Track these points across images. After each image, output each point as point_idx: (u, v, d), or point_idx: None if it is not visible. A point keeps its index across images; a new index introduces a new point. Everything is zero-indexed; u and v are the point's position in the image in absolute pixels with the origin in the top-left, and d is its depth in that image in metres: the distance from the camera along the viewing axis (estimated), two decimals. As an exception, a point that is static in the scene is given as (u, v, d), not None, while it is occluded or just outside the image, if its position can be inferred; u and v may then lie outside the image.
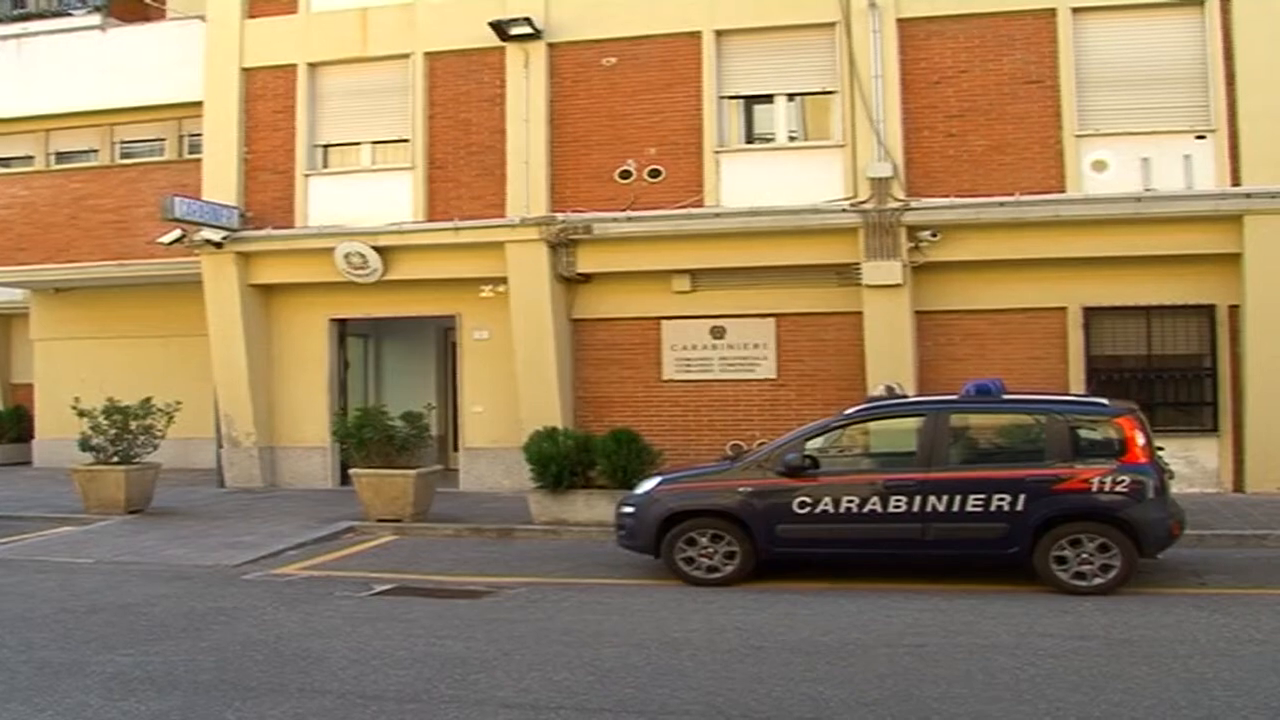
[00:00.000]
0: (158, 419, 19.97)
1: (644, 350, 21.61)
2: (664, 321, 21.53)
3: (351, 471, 18.86)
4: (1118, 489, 12.36)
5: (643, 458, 17.36)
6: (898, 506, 12.69)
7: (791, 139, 21.04)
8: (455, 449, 23.54)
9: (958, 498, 12.56)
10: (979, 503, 12.50)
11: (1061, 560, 12.40)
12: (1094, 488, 12.39)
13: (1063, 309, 19.85)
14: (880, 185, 19.74)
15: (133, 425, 19.84)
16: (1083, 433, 12.89)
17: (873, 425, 13.86)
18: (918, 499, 12.66)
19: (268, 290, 23.39)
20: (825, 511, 12.93)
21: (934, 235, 19.67)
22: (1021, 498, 12.42)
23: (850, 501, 12.86)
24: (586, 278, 21.52)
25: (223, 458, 23.38)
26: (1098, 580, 12.29)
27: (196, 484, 23.55)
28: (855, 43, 20.03)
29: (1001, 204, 19.33)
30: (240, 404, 23.01)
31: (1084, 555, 12.35)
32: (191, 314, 24.05)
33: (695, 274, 21.19)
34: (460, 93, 21.96)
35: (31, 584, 13.70)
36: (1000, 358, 19.70)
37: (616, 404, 21.52)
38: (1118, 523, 12.34)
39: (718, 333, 21.29)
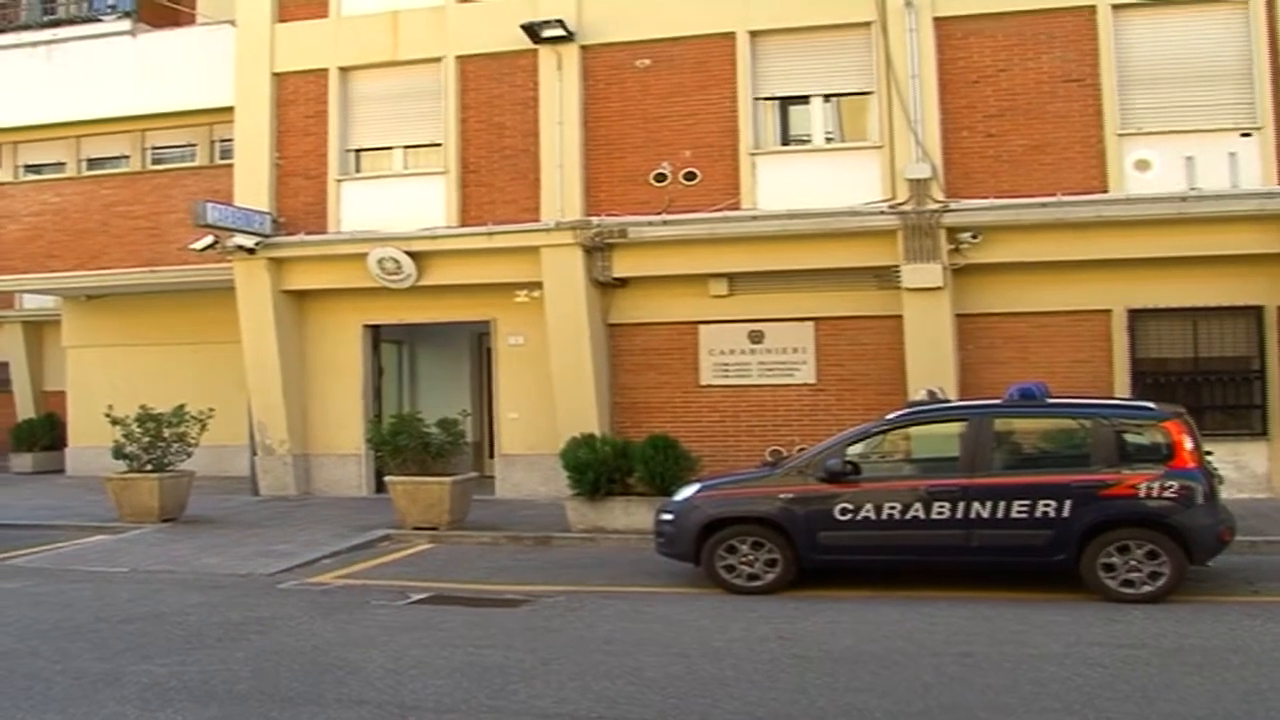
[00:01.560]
0: (191, 427, 20.04)
1: (681, 355, 21.60)
2: (701, 326, 21.51)
3: (387, 479, 18.92)
4: (1166, 494, 12.25)
5: (681, 464, 17.36)
6: (941, 513, 12.63)
7: (828, 140, 21.00)
8: (491, 456, 23.59)
9: (1002, 504, 12.48)
10: (1024, 509, 12.42)
11: (1109, 567, 12.30)
12: (1142, 493, 12.29)
13: (1107, 311, 19.73)
14: (919, 186, 19.66)
15: (166, 433, 19.93)
16: (1129, 437, 12.80)
17: (914, 430, 13.80)
18: (961, 505, 12.59)
19: (301, 296, 23.49)
20: (867, 518, 12.88)
21: (974, 237, 19.57)
22: (1067, 504, 12.33)
23: (893, 508, 12.80)
24: (622, 282, 21.53)
25: (257, 465, 23.49)
26: (1146, 588, 12.19)
27: (230, 492, 23.66)
28: (892, 42, 19.97)
29: (1043, 205, 19.22)
30: (274, 411, 23.11)
31: (1132, 562, 12.25)
32: (224, 321, 24.15)
33: (732, 278, 21.17)
34: (493, 96, 22.00)
35: (67, 593, 13.79)
36: (1043, 361, 19.60)
37: (654, 410, 21.50)
38: (1166, 529, 12.23)
39: (756, 337, 21.25)
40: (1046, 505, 12.37)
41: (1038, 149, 19.55)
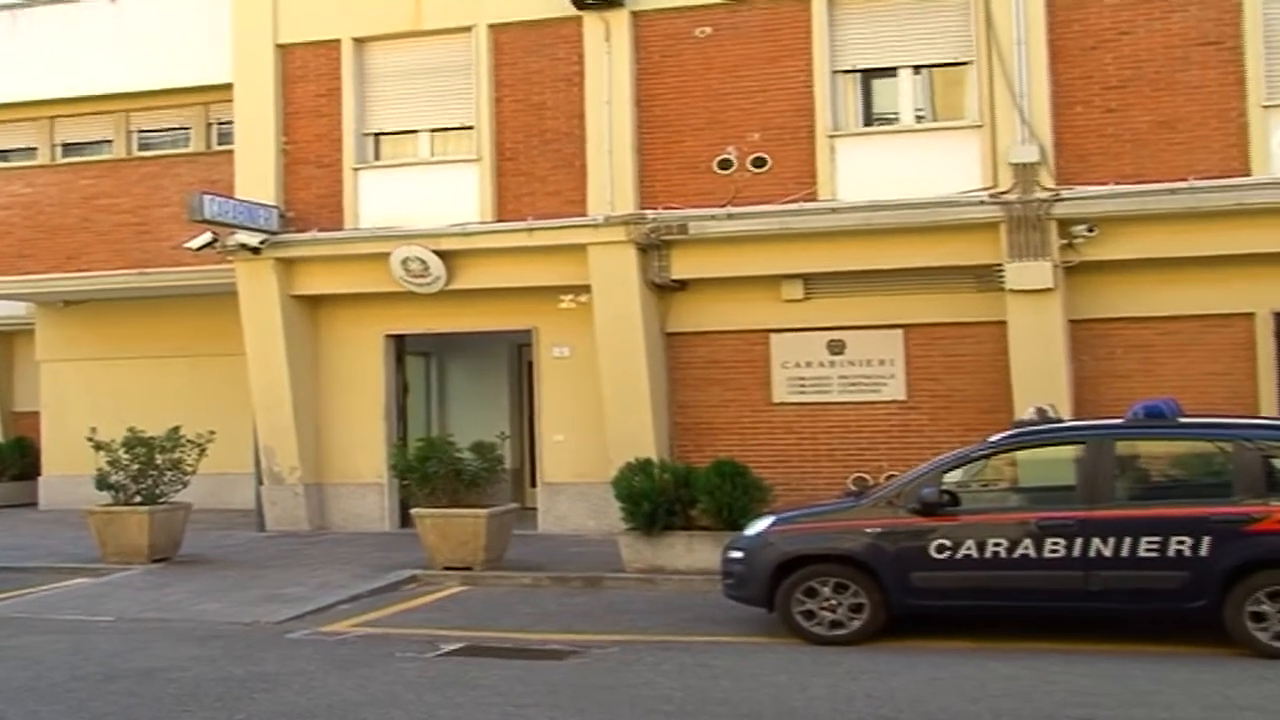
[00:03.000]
0: (187, 452, 20.12)
1: (750, 368, 21.60)
2: (773, 335, 21.52)
3: (413, 512, 18.97)
4: (1325, 531, 12.13)
5: (751, 494, 17.32)
6: (1055, 551, 12.54)
7: (919, 119, 20.96)
8: (533, 485, 23.70)
9: (1127, 541, 12.38)
10: (1153, 547, 12.31)
11: (1259, 617, 12.16)
12: (1296, 529, 12.17)
13: (1248, 315, 19.56)
14: (1025, 172, 19.57)
15: (158, 459, 20.00)
16: (1279, 463, 12.66)
17: (1022, 455, 13.75)
18: (1079, 542, 12.50)
19: (313, 302, 23.67)
20: (968, 557, 12.81)
21: (1090, 230, 19.45)
22: (1206, 541, 12.21)
23: (997, 545, 12.73)
24: (682, 284, 21.57)
25: (263, 496, 23.65)
26: (1305, 642, 12.07)
27: (232, 527, 23.84)
28: (994, 3, 19.90)
29: (1172, 191, 19.09)
30: (283, 434, 23.26)
31: (1287, 611, 12.13)
32: (225, 330, 24.35)
33: (808, 279, 21.17)
34: (531, 71, 22.10)
35: (39, 647, 13.76)
36: (1173, 374, 19.45)
37: (719, 431, 21.49)
38: (1328, 572, 12.11)
39: (836, 347, 21.21)
40: (1181, 542, 12.26)
41: (1166, 125, 19.43)
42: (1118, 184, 19.39)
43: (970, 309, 20.48)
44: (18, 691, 11.64)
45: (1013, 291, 19.68)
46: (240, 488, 25.22)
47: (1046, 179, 19.55)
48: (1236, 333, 19.63)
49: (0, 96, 26.63)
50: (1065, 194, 19.46)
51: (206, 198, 21.75)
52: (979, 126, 20.11)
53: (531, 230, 21.66)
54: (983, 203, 19.77)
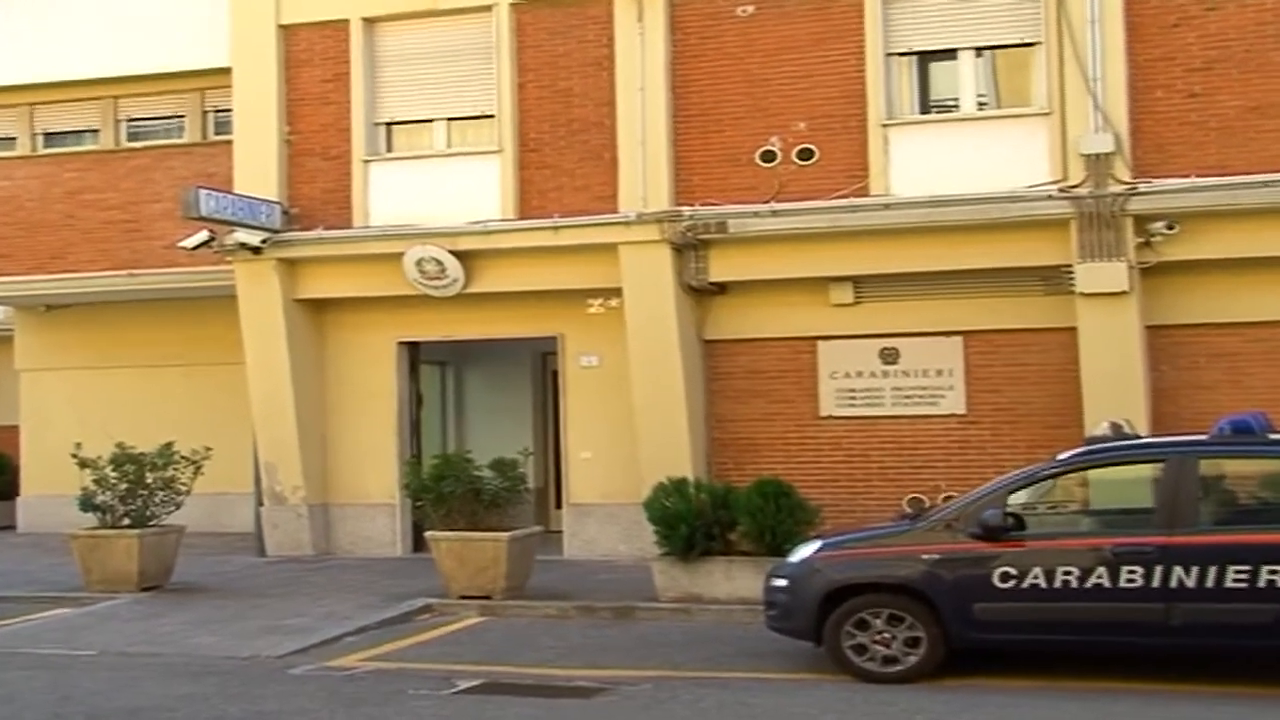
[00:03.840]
0: (181, 470, 20.18)
1: (795, 379, 21.62)
2: (820, 342, 21.53)
3: (428, 535, 19.02)
4: None
5: (797, 516, 17.32)
6: (1131, 580, 12.49)
7: (981, 106, 20.96)
8: (558, 506, 23.72)
9: (1213, 570, 12.31)
10: (1242, 577, 12.24)
11: (1358, 653, 12.13)
12: (1405, 558, 12.11)
13: (1346, 320, 19.52)
14: (1098, 163, 19.54)
15: (149, 478, 20.04)
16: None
17: (1095, 474, 13.75)
18: (1158, 571, 12.44)
19: (319, 306, 23.78)
20: (1035, 586, 12.77)
21: (1170, 227, 19.39)
22: (1300, 570, 12.17)
23: (1068, 573, 12.68)
24: (721, 288, 21.60)
25: (263, 518, 23.74)
26: None
27: (230, 552, 23.94)
28: (1065, -22, 19.91)
29: (1266, 184, 19.02)
30: (286, 450, 23.33)
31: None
32: (222, 337, 24.46)
33: (859, 281, 21.18)
34: (557, 55, 22.16)
35: (15, 684, 13.70)
36: (1262, 385, 19.38)
37: (761, 447, 21.49)
38: None
39: (889, 356, 21.21)
40: (1274, 572, 12.19)
41: (1258, 111, 19.37)
42: (1201, 176, 19.32)
43: (1037, 314, 20.43)
44: (-11, 735, 11.69)
45: (1084, 295, 19.61)
46: (239, 509, 25.31)
47: (1122, 171, 19.50)
48: (1332, 340, 19.62)
49: (-27, 82, 26.77)
50: (1142, 187, 19.42)
51: (202, 193, 21.78)
52: (1047, 114, 20.07)
53: (557, 228, 21.70)
54: (1051, 197, 19.74)
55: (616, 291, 21.65)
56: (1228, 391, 19.37)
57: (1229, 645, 12.60)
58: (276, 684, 13.68)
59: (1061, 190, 19.70)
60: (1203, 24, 19.62)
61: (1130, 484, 13.44)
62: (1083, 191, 19.56)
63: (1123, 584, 12.50)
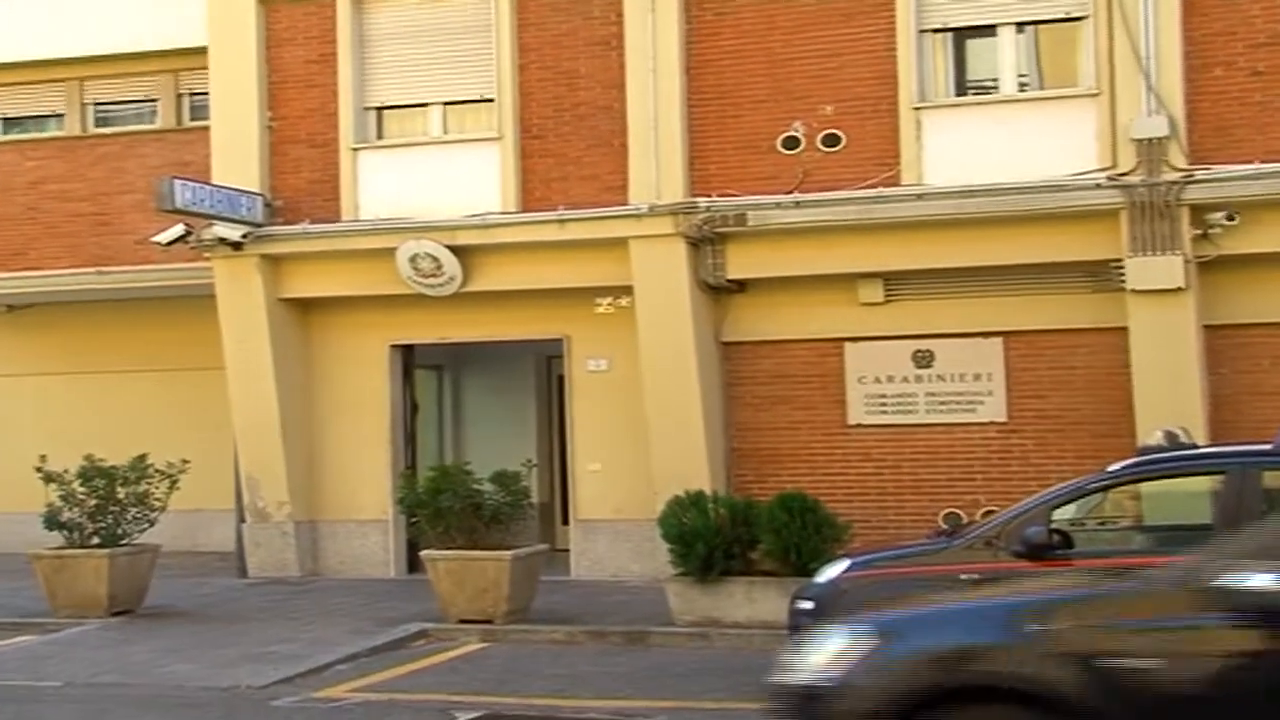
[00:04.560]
0: (155, 484, 20.16)
1: (821, 384, 21.65)
2: (848, 344, 21.57)
3: (424, 554, 19.09)
4: None
5: (824, 533, 17.35)
6: (1191, 603, 12.48)
7: (1022, 87, 21.03)
8: (564, 522, 23.81)
9: (1280, 592, 12.31)
10: (1310, 598, 12.24)
11: None
12: None
13: None
14: (1151, 148, 19.55)
15: (120, 493, 20.01)
16: None
17: (1148, 487, 13.77)
18: (1219, 592, 12.44)
19: (305, 307, 23.86)
20: (1084, 609, 12.77)
21: (1230, 218, 19.40)
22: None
23: (1120, 595, 12.68)
24: (740, 285, 21.67)
25: (245, 536, 23.78)
26: None
27: (209, 573, 23.98)
28: (1114, -53, 19.95)
29: (1334, 171, 19.12)
30: (269, 463, 23.38)
31: None
32: (200, 340, 24.47)
33: (890, 278, 21.23)
34: (562, 33, 22.20)
35: (-29, 718, 13.82)
36: (1332, 390, 19.47)
37: (785, 458, 21.52)
38: None
39: (923, 359, 21.25)
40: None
41: (1326, 91, 19.44)
42: (1265, 162, 19.33)
43: (1084, 313, 20.47)
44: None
45: (1135, 292, 19.64)
46: (218, 526, 25.35)
47: (1177, 157, 19.51)
48: None
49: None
50: (1200, 175, 19.44)
51: (178, 183, 21.79)
52: (1095, 95, 20.11)
53: (563, 221, 21.74)
54: (1099, 186, 19.76)
55: (627, 290, 21.69)
56: (1293, 397, 19.45)
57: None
58: (258, 716, 13.75)
59: (1111, 178, 19.72)
60: (1266, -6, 19.71)
61: (1187, 498, 13.44)
62: (1134, 179, 19.56)
63: (1180, 607, 12.51)
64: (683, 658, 16.47)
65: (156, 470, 20.07)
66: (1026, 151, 20.13)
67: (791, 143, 21.08)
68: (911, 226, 20.50)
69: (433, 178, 22.60)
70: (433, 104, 23.16)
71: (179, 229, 23.03)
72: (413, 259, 22.19)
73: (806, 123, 21.04)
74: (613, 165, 21.72)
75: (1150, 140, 19.53)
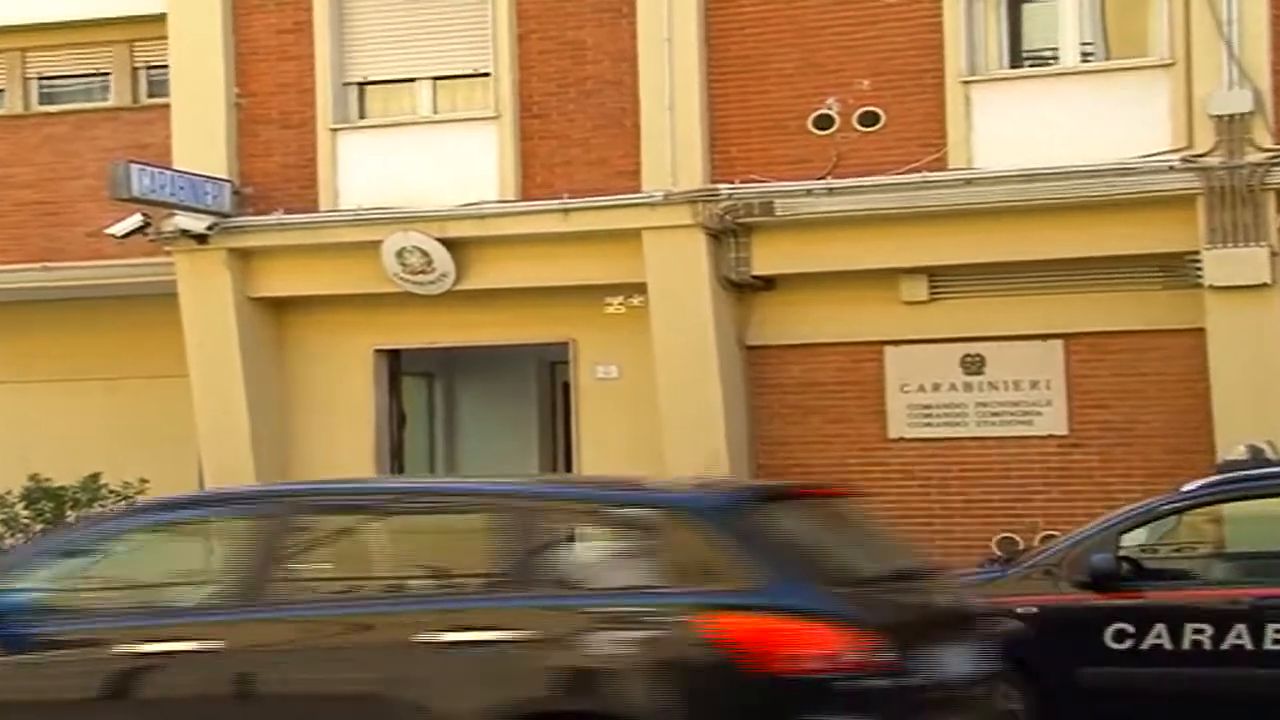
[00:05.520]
0: (109, 505, 20.18)
1: (858, 392, 21.66)
2: (888, 348, 21.57)
3: (411, 584, 19.00)
4: None
5: (863, 559, 17.28)
6: (1279, 642, 12.42)
7: (1085, 57, 21.01)
8: (570, 544, 23.65)
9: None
10: None
11: None
12: None
13: None
14: (1233, 126, 19.52)
15: (71, 517, 20.08)
16: None
17: (1230, 509, 13.78)
18: (1312, 629, 12.42)
19: (279, 306, 23.90)
20: (1158, 648, 12.81)
21: (1322, 205, 19.41)
22: None
23: (1198, 632, 12.71)
24: (767, 282, 21.67)
25: (211, 564, 23.69)
26: None
27: (172, 605, 23.83)
28: (1190, -102, 19.93)
29: None
30: (239, 480, 23.12)
31: None
32: (161, 344, 24.40)
33: (935, 274, 21.22)
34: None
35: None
36: None
37: (817, 474, 21.38)
38: None
39: (973, 365, 21.21)
40: None
41: None
42: (1360, 142, 19.38)
43: (1155, 312, 20.44)
44: None
45: (1214, 288, 19.60)
46: (181, 553, 25.27)
47: (1262, 135, 19.48)
48: None
49: None
50: (1288, 156, 19.45)
51: (134, 168, 21.82)
52: (1169, 65, 20.06)
53: (567, 211, 21.76)
54: (1173, 169, 19.71)
55: (640, 288, 21.70)
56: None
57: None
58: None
59: (1186, 160, 19.66)
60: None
61: (1274, 521, 13.39)
62: (1213, 161, 19.52)
63: (1268, 645, 12.48)
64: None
65: (111, 491, 20.21)
66: (1090, 130, 20.11)
67: (824, 122, 21.04)
68: (959, 215, 20.48)
69: (421, 162, 22.61)
70: (421, 79, 23.17)
71: (136, 219, 22.96)
72: (399, 253, 22.20)
73: (841, 99, 21.01)
74: (623, 148, 21.72)
75: (1231, 117, 19.48)
